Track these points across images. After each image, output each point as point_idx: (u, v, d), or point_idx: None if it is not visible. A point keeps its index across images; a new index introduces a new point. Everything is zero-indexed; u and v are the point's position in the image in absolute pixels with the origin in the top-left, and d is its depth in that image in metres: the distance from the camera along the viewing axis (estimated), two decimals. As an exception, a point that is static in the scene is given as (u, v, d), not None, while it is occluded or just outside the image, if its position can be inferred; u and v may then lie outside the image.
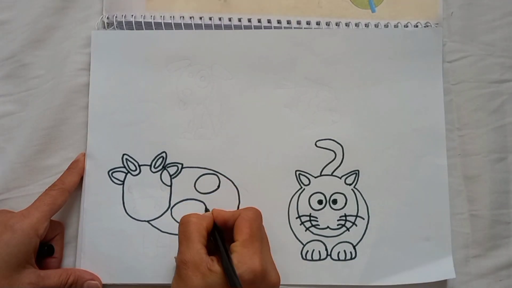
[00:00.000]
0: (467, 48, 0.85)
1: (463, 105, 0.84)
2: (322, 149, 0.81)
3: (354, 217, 0.81)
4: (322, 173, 0.81)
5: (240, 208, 0.81)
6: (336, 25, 0.84)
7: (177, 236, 0.77)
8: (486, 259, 0.82)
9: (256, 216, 0.74)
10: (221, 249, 0.71)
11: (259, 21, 0.84)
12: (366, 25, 0.84)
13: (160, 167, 0.81)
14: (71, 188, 0.79)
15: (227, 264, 0.68)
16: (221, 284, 0.68)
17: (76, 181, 0.80)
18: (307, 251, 0.80)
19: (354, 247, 0.80)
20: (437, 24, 0.84)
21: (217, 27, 0.84)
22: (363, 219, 0.81)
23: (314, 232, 0.80)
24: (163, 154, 0.81)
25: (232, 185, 0.81)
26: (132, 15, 0.83)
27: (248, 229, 0.72)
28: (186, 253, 0.69)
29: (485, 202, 0.83)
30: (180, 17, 0.83)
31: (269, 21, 0.84)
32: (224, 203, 0.80)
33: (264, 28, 0.83)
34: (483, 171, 0.84)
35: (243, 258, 0.68)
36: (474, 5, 0.86)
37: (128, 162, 0.81)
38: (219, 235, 0.74)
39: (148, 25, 0.83)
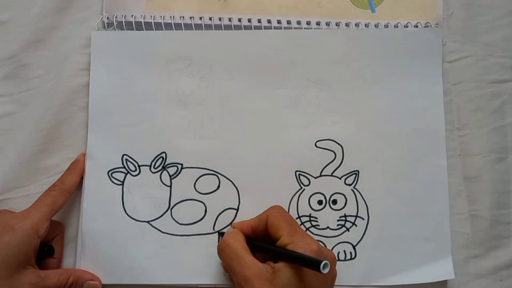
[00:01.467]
0: (467, 48, 0.85)
1: (463, 105, 0.84)
2: (322, 149, 0.82)
3: (354, 218, 0.81)
4: (322, 174, 0.81)
5: (240, 207, 0.81)
6: (336, 25, 0.84)
7: (178, 237, 0.80)
8: (486, 259, 0.83)
9: (282, 209, 0.76)
10: (273, 247, 0.72)
11: (259, 21, 0.84)
12: (366, 25, 0.84)
13: (160, 167, 0.81)
14: (71, 189, 0.79)
15: (293, 253, 0.68)
16: (290, 277, 0.68)
17: (76, 181, 0.80)
18: (307, 251, 0.81)
19: (354, 247, 0.80)
20: (437, 24, 0.84)
21: (217, 27, 0.84)
22: (363, 219, 0.81)
23: (314, 232, 0.81)
24: (163, 155, 0.82)
25: (232, 185, 0.81)
26: (132, 15, 0.83)
27: (284, 221, 0.72)
28: (244, 270, 0.69)
29: (485, 202, 0.83)
30: (180, 17, 0.84)
31: (269, 21, 0.84)
32: (224, 203, 0.81)
33: (264, 28, 0.84)
34: (483, 171, 0.84)
35: (297, 245, 0.69)
36: (474, 5, 0.86)
37: (128, 163, 0.81)
38: (260, 243, 0.74)
39: (148, 25, 0.84)
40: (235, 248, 0.72)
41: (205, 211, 0.81)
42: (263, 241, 0.74)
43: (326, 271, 0.63)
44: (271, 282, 0.67)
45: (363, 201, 0.81)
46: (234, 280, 0.71)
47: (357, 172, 0.81)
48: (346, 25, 0.84)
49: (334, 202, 0.81)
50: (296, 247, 0.68)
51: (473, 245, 0.83)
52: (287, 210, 0.80)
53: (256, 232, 0.75)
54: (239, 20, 0.84)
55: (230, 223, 0.81)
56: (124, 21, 0.84)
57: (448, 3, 0.86)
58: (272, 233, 0.72)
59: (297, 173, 0.81)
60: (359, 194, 0.81)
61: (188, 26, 0.84)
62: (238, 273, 0.69)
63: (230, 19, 0.84)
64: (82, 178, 0.81)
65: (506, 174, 0.84)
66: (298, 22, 0.84)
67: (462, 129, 0.84)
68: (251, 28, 0.84)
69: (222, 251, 0.73)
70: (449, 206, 0.81)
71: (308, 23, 0.84)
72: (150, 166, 0.82)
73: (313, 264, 0.65)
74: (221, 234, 0.80)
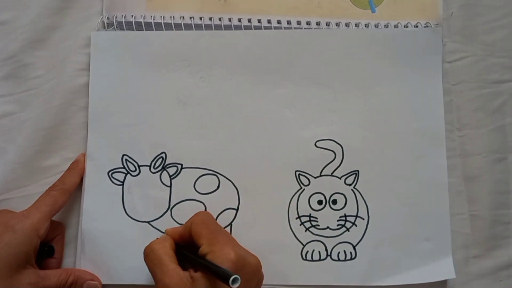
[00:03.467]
0: (467, 48, 0.85)
1: (463, 106, 0.85)
2: (322, 149, 0.82)
3: (354, 217, 0.81)
4: (322, 174, 0.82)
5: (240, 207, 0.81)
6: (336, 25, 0.84)
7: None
8: (486, 259, 0.83)
9: (207, 216, 0.76)
10: (193, 256, 0.72)
11: (259, 21, 0.84)
12: (366, 26, 0.84)
13: (160, 167, 0.82)
14: (71, 189, 0.80)
15: (208, 264, 0.68)
16: (207, 287, 0.68)
17: (76, 181, 0.81)
18: (307, 251, 0.81)
19: (354, 247, 0.81)
20: (437, 24, 0.84)
21: (217, 27, 0.84)
22: (363, 219, 0.81)
23: (314, 232, 0.81)
24: (163, 155, 0.82)
25: (232, 185, 0.82)
26: (132, 15, 0.84)
27: (206, 229, 0.72)
28: (165, 278, 0.69)
29: (485, 202, 0.84)
30: (180, 17, 0.84)
31: (269, 22, 0.84)
32: (223, 203, 0.81)
33: (264, 29, 0.84)
34: (483, 171, 0.84)
35: (216, 254, 0.69)
36: (474, 6, 0.86)
37: (128, 163, 0.82)
38: (184, 250, 0.74)
39: (148, 26, 0.84)
40: (159, 254, 0.71)
41: (205, 211, 0.81)
42: (193, 248, 0.73)
43: (235, 286, 0.64)
44: None
45: (363, 201, 0.81)
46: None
47: (357, 172, 0.82)
48: (346, 25, 0.84)
49: (334, 202, 0.81)
50: (214, 257, 0.69)
51: (473, 245, 0.83)
52: (213, 216, 0.80)
53: (184, 239, 0.75)
54: (239, 20, 0.84)
55: (230, 223, 0.81)
56: (124, 21, 0.84)
57: (448, 3, 0.86)
58: (195, 241, 0.72)
59: (297, 173, 0.81)
60: (359, 194, 0.81)
61: (188, 26, 0.84)
62: (159, 280, 0.70)
63: (230, 19, 0.84)
64: (82, 178, 0.82)
65: (506, 174, 0.84)
66: (298, 22, 0.84)
67: (462, 129, 0.84)
68: (251, 28, 0.84)
69: (146, 256, 0.73)
70: (449, 206, 0.82)
71: (308, 23, 0.84)
72: (150, 166, 0.82)
73: (223, 277, 0.66)
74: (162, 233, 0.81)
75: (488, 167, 0.84)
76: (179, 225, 0.80)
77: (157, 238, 0.76)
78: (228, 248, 0.70)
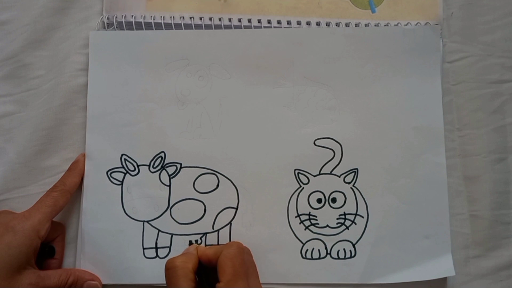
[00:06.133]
0: (467, 49, 0.86)
1: (463, 106, 0.85)
2: (321, 147, 0.82)
3: (354, 216, 0.82)
4: (321, 172, 0.82)
5: (239, 206, 0.82)
6: (336, 25, 0.85)
7: (177, 236, 0.80)
8: (486, 259, 0.83)
9: (238, 252, 0.73)
10: None
11: (259, 21, 0.85)
12: (366, 26, 0.85)
13: (159, 167, 0.82)
14: (72, 189, 0.80)
15: None
16: None
17: (76, 182, 0.81)
18: (307, 250, 0.81)
19: (353, 245, 0.81)
20: (437, 24, 0.85)
21: (217, 27, 0.85)
22: (363, 217, 0.82)
23: (314, 230, 0.81)
24: (162, 154, 0.83)
25: (231, 184, 0.82)
26: (132, 16, 0.84)
27: (231, 268, 0.71)
28: None
29: (485, 202, 0.84)
30: (180, 17, 0.85)
31: (269, 22, 0.85)
32: (223, 202, 0.82)
33: (264, 29, 0.85)
34: (483, 171, 0.85)
35: None
36: (474, 6, 0.87)
37: (127, 162, 0.82)
38: (206, 273, 0.74)
39: (148, 26, 0.85)
40: (178, 274, 0.71)
41: (205, 210, 0.82)
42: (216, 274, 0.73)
43: None
44: None
45: (362, 199, 0.82)
46: None
47: (356, 170, 0.82)
48: (346, 25, 0.85)
49: (334, 200, 0.82)
50: None
51: (473, 245, 0.84)
52: (247, 252, 0.77)
53: (211, 263, 0.74)
54: (239, 20, 0.85)
55: (230, 222, 0.82)
56: (124, 21, 0.85)
57: (448, 3, 0.87)
58: (218, 272, 0.72)
59: (296, 171, 0.82)
60: (358, 192, 0.82)
61: (188, 26, 0.85)
62: None
63: (230, 19, 0.85)
64: (82, 179, 0.82)
65: (506, 174, 0.85)
66: (298, 23, 0.85)
67: (462, 129, 0.85)
68: (251, 28, 0.85)
69: (166, 270, 0.72)
70: (449, 206, 0.82)
71: (308, 23, 0.85)
72: (149, 165, 0.83)
73: None
74: (191, 242, 0.81)
75: (488, 167, 0.85)
76: (179, 224, 0.81)
77: (183, 254, 0.75)
78: None
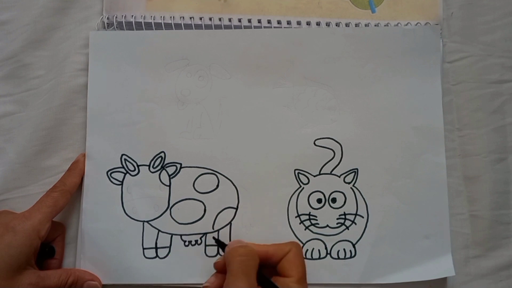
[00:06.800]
0: (467, 49, 0.86)
1: (463, 106, 0.85)
2: (321, 147, 0.83)
3: (354, 216, 0.82)
4: (321, 172, 0.82)
5: (239, 206, 0.82)
6: (336, 25, 0.85)
7: (177, 236, 0.80)
8: (486, 259, 0.84)
9: (302, 252, 0.77)
10: (274, 284, 0.72)
11: (259, 21, 0.85)
12: (366, 26, 0.85)
13: (159, 167, 0.83)
14: (72, 189, 0.81)
15: None
16: None
17: (77, 182, 0.81)
18: (307, 250, 0.81)
19: (353, 245, 0.81)
20: (437, 24, 0.85)
21: (217, 27, 0.85)
22: (363, 217, 0.82)
23: (314, 231, 0.82)
24: (162, 154, 0.83)
25: (231, 184, 0.82)
26: (132, 16, 0.85)
27: (302, 267, 0.73)
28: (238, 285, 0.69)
29: (485, 202, 0.84)
30: (180, 17, 0.85)
31: (269, 22, 0.85)
32: (223, 202, 0.82)
33: (264, 29, 0.85)
34: (483, 171, 0.85)
35: None
36: (474, 6, 0.87)
37: (127, 162, 0.83)
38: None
39: (148, 26, 0.85)
40: (252, 265, 0.72)
41: (204, 210, 0.82)
42: (270, 269, 0.74)
43: None
44: None
45: (362, 199, 0.82)
46: (226, 281, 0.71)
47: (356, 170, 0.82)
48: (346, 25, 0.85)
49: (334, 200, 0.82)
50: None
51: (473, 245, 0.84)
52: None
53: (267, 258, 0.75)
54: (239, 20, 0.85)
55: (230, 222, 0.82)
56: (124, 21, 0.85)
57: (448, 3, 0.87)
58: (283, 267, 0.73)
59: (296, 171, 0.82)
60: (358, 192, 0.82)
61: (188, 27, 0.85)
62: (231, 282, 0.70)
63: (230, 20, 0.85)
64: (82, 179, 0.83)
65: (506, 174, 0.85)
66: (298, 23, 0.85)
67: (462, 129, 0.85)
68: (251, 28, 0.85)
69: (240, 255, 0.72)
70: (449, 206, 0.82)
71: (308, 23, 0.85)
72: (149, 165, 0.83)
73: None
74: (217, 241, 0.80)
75: (488, 167, 0.85)
76: (179, 224, 0.82)
77: (250, 247, 0.75)
78: None
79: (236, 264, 0.72)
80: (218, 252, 0.82)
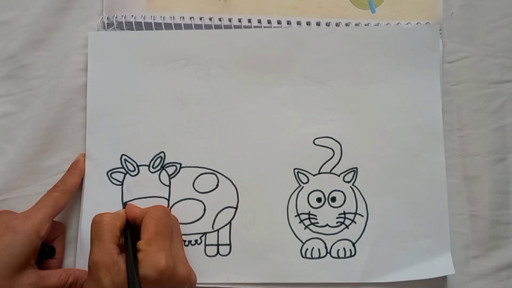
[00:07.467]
0: (467, 49, 0.86)
1: (463, 106, 0.86)
2: (321, 147, 0.83)
3: (353, 215, 0.82)
4: (321, 171, 0.83)
5: (239, 205, 0.82)
6: (336, 25, 0.85)
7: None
8: (486, 259, 0.84)
9: (163, 214, 0.75)
10: (128, 247, 0.72)
11: (259, 21, 0.85)
12: (366, 25, 0.85)
13: (159, 167, 0.83)
14: (72, 189, 0.81)
15: (130, 264, 0.69)
16: (126, 283, 0.69)
17: (77, 182, 0.82)
18: (307, 249, 0.82)
19: (353, 244, 0.82)
20: (437, 24, 0.85)
21: (217, 27, 0.85)
22: (362, 216, 0.82)
23: (313, 230, 0.82)
24: (162, 154, 0.83)
25: (231, 184, 0.83)
26: (132, 16, 0.85)
27: (153, 227, 0.72)
28: (97, 253, 0.70)
29: (485, 202, 0.84)
30: (180, 17, 0.85)
31: (269, 22, 0.85)
32: (223, 202, 0.82)
33: (264, 28, 0.85)
34: (483, 171, 0.85)
35: (147, 256, 0.69)
36: (474, 6, 0.87)
37: (127, 163, 0.83)
38: (131, 233, 0.75)
39: (148, 26, 0.85)
40: (103, 229, 0.72)
41: (204, 210, 0.82)
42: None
43: None
44: (112, 276, 0.69)
45: (362, 198, 0.82)
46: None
47: (355, 169, 0.83)
48: (346, 26, 0.85)
49: (333, 199, 0.82)
50: (145, 257, 0.69)
51: (473, 246, 0.84)
52: (172, 217, 0.78)
53: (136, 222, 0.75)
54: (239, 20, 0.85)
55: (229, 222, 0.82)
56: (124, 22, 0.85)
57: (448, 4, 0.87)
58: (141, 231, 0.73)
59: (296, 170, 0.83)
60: (358, 191, 0.82)
61: (188, 27, 0.85)
62: (92, 253, 0.71)
63: (230, 20, 0.85)
64: (83, 179, 0.83)
65: (506, 174, 0.85)
66: (298, 23, 0.85)
67: (462, 129, 0.85)
68: (251, 28, 0.85)
69: (93, 223, 0.73)
70: (449, 206, 0.82)
71: (308, 23, 0.85)
72: (149, 166, 0.83)
73: (130, 281, 0.68)
74: (124, 206, 0.82)
75: (488, 167, 0.85)
76: (179, 224, 0.81)
77: (114, 212, 0.76)
78: (162, 254, 0.70)
79: (91, 231, 0.73)
80: (218, 252, 0.82)
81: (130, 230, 0.75)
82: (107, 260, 0.69)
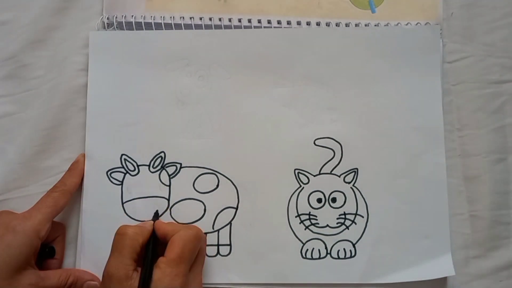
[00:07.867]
0: (467, 49, 0.86)
1: (463, 106, 0.86)
2: (321, 147, 0.83)
3: (354, 215, 0.82)
4: (321, 172, 0.83)
5: (239, 206, 0.82)
6: (336, 25, 0.85)
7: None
8: (486, 259, 0.84)
9: (193, 237, 0.74)
10: (146, 262, 0.72)
11: (259, 21, 0.85)
12: (366, 26, 0.85)
13: (159, 167, 0.83)
14: (72, 190, 0.81)
15: (144, 280, 0.70)
16: None
17: (77, 182, 0.82)
18: (307, 249, 0.82)
19: (353, 245, 0.82)
20: (437, 24, 0.85)
21: (217, 27, 0.85)
22: (363, 217, 0.82)
23: (314, 230, 0.82)
24: (162, 154, 0.83)
25: (231, 184, 0.83)
26: (132, 16, 0.85)
27: (180, 249, 0.72)
28: (113, 266, 0.71)
29: (485, 202, 0.85)
30: (180, 17, 0.85)
31: (269, 22, 0.85)
32: (223, 202, 0.83)
33: (264, 28, 0.85)
34: (483, 171, 0.85)
35: (163, 278, 0.69)
36: (474, 6, 0.87)
37: (127, 162, 0.83)
38: (155, 242, 0.75)
39: (148, 26, 0.85)
40: (125, 243, 0.72)
41: (204, 210, 0.82)
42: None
43: None
44: None
45: (362, 199, 0.82)
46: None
47: (356, 170, 0.83)
48: (346, 26, 0.85)
49: (334, 200, 0.82)
50: (160, 276, 0.70)
51: (473, 246, 0.84)
52: (203, 242, 0.78)
53: (166, 239, 0.74)
54: (239, 20, 0.85)
55: (230, 222, 0.82)
56: (124, 22, 0.85)
57: (448, 4, 0.87)
58: (167, 247, 0.73)
59: (296, 171, 0.83)
60: (358, 192, 0.83)
61: (188, 27, 0.85)
62: (109, 264, 0.71)
63: (230, 20, 0.85)
64: (82, 179, 0.83)
65: (506, 174, 0.85)
66: (298, 23, 0.85)
67: (462, 129, 0.86)
68: (251, 28, 0.85)
69: (117, 234, 0.74)
70: (449, 207, 0.83)
71: (308, 23, 0.86)
72: (149, 165, 0.83)
73: None
74: (157, 213, 0.82)
75: (488, 167, 0.85)
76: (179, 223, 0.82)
77: (138, 226, 0.76)
78: (178, 280, 0.70)
79: (113, 241, 0.73)
80: (218, 252, 0.82)
81: (154, 242, 0.75)
82: (121, 275, 0.70)
